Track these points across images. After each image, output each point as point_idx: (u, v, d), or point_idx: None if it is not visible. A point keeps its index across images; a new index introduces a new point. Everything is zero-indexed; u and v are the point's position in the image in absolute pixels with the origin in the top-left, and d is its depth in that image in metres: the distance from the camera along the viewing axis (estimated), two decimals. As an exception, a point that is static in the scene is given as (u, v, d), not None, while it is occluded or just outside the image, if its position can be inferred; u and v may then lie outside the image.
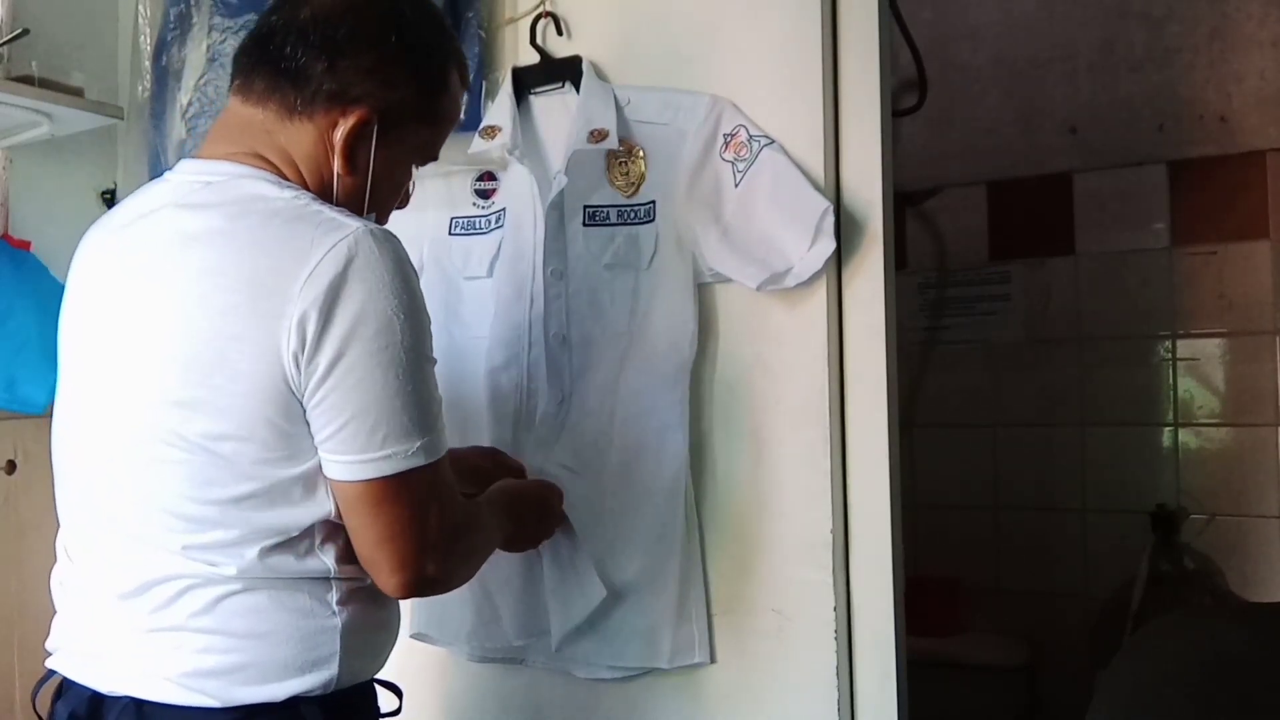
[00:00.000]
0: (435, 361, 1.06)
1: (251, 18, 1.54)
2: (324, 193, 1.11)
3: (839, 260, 1.47)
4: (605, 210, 1.53)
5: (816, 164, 1.46)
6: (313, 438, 1.01)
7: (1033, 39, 2.76)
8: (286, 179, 1.08)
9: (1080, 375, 2.69)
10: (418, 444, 1.02)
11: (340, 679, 1.06)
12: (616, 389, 1.51)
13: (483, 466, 1.42)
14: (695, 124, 1.48)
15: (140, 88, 1.85)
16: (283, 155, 1.09)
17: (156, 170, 1.76)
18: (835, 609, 1.43)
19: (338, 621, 1.06)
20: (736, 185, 1.46)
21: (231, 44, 1.71)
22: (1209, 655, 1.22)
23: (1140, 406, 2.65)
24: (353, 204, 1.12)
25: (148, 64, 1.85)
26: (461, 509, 1.13)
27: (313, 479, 1.03)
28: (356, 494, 1.02)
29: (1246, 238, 2.51)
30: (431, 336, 1.06)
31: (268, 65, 1.10)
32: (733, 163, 1.46)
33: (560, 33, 1.62)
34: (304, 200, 1.05)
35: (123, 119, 1.84)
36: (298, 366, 0.98)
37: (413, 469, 1.02)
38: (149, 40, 1.85)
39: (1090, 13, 2.70)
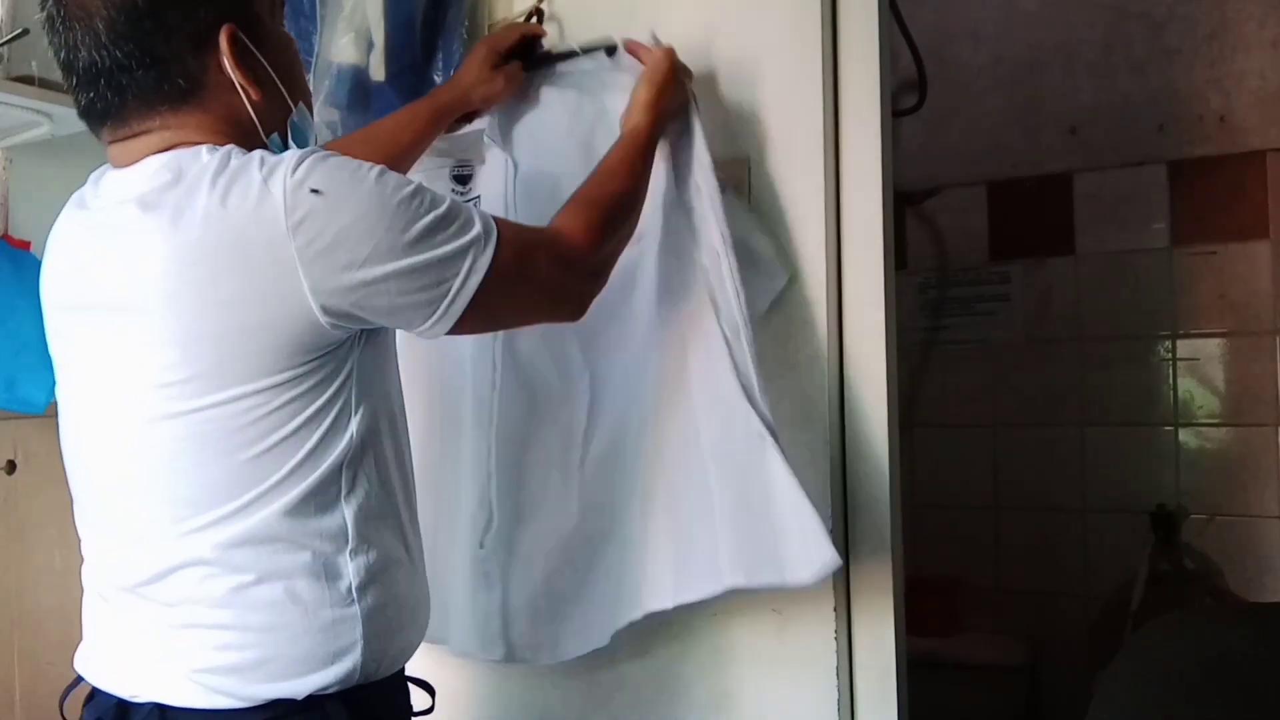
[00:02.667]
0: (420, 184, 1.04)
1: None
2: (253, 131, 1.08)
3: (839, 260, 1.47)
4: None
5: (817, 164, 1.46)
6: (338, 371, 1.03)
7: (1033, 39, 2.76)
8: (217, 145, 1.04)
9: (1080, 375, 2.69)
10: (468, 254, 1.03)
11: (364, 670, 1.05)
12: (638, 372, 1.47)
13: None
14: None
15: (140, 88, 1.84)
16: (204, 127, 1.06)
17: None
18: (835, 609, 1.43)
19: (356, 609, 1.05)
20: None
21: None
22: (1209, 655, 1.21)
23: (1140, 406, 2.64)
24: (278, 110, 1.10)
25: (147, 64, 1.84)
26: (573, 226, 1.16)
27: (328, 416, 1.02)
28: (465, 325, 1.06)
29: (1246, 238, 2.51)
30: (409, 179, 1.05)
31: (124, 95, 1.04)
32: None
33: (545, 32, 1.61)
34: (237, 153, 1.02)
35: (123, 119, 1.83)
36: (324, 301, 0.98)
37: (484, 275, 1.04)
38: (148, 40, 1.84)
39: (1090, 13, 2.69)
